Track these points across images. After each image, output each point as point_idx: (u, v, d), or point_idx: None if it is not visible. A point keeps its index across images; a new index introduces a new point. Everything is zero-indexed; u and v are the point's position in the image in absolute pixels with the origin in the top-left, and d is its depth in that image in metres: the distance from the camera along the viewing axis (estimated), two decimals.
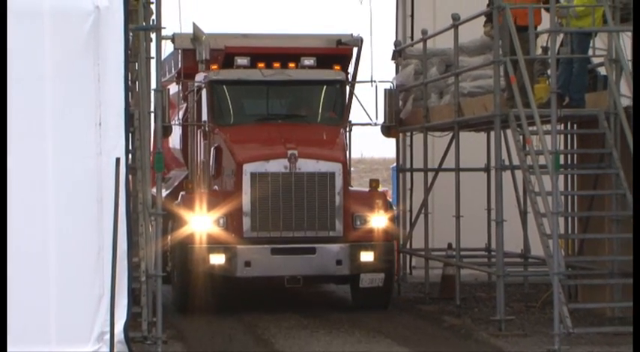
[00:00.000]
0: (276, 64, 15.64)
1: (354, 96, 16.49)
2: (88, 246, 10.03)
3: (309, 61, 15.63)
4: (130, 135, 11.48)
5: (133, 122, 12.08)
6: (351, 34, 16.56)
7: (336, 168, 14.65)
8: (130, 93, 10.73)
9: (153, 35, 12.66)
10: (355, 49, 16.49)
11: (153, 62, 12.71)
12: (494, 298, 14.27)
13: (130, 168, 10.82)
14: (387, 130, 16.61)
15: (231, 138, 15.16)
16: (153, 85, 12.76)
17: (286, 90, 15.96)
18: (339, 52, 16.44)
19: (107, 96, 10.12)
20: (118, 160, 10.06)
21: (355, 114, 16.45)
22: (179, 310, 14.61)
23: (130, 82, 10.98)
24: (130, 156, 11.27)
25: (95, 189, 10.04)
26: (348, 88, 16.22)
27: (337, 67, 16.02)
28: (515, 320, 13.92)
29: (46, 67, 10.04)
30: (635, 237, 10.68)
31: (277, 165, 14.49)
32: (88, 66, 10.09)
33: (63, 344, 9.94)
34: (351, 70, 16.53)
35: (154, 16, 12.57)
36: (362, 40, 16.48)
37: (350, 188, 15.31)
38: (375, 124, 16.60)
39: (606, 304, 13.81)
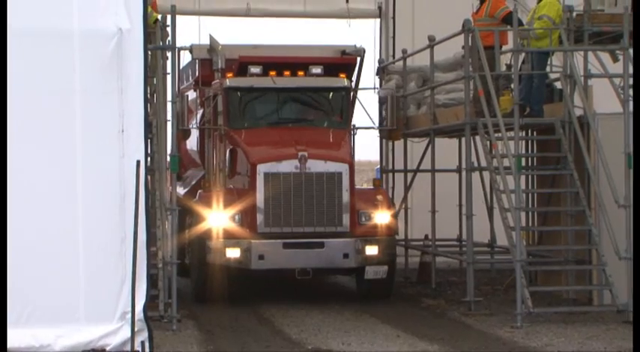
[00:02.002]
0: (287, 72, 15.02)
1: (357, 102, 15.93)
2: (112, 236, 10.00)
3: (316, 70, 14.97)
4: (149, 140, 11.51)
5: (151, 129, 12.10)
6: (355, 45, 16.03)
7: (343, 168, 14.00)
8: (148, 105, 10.71)
9: (168, 54, 12.69)
10: (358, 59, 15.97)
11: (169, 77, 12.74)
12: (464, 282, 14.28)
13: (148, 169, 10.80)
14: (389, 133, 16.16)
15: (245, 140, 14.55)
16: (169, 97, 12.78)
17: (296, 96, 15.19)
18: (344, 61, 15.76)
19: (129, 106, 10.09)
20: (138, 162, 10.04)
21: (357, 119, 15.98)
22: (197, 300, 14.03)
23: (148, 95, 10.95)
24: (148, 158, 11.27)
25: (118, 188, 10.02)
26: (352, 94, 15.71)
27: (343, 75, 15.37)
28: (483, 301, 13.96)
29: (76, 81, 10.02)
30: (635, 234, 10.36)
31: (289, 166, 13.84)
32: (112, 80, 10.06)
33: (90, 322, 9.92)
34: (354, 77, 16.04)
35: (169, 38, 12.60)
36: (364, 51, 15.99)
37: (355, 187, 14.70)
38: (378, 128, 16.21)
39: (562, 287, 13.84)
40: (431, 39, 15.40)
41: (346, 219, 13.87)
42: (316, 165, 13.87)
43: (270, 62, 15.04)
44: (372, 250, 13.91)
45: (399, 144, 17.29)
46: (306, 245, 13.73)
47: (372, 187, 15.26)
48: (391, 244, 14.29)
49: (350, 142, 15.16)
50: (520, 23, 13.82)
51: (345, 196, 13.88)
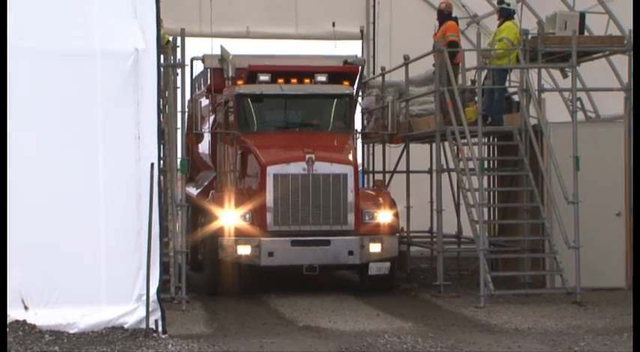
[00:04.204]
0: (294, 80, 14.22)
1: (359, 108, 15.31)
2: (130, 229, 10.00)
3: (321, 78, 14.19)
4: (162, 146, 11.50)
5: (163, 136, 12.08)
6: (356, 55, 15.42)
7: (347, 170, 13.14)
8: (161, 114, 10.71)
9: (179, 70, 12.67)
10: (359, 68, 15.23)
11: (179, 91, 12.71)
12: (435, 268, 14.33)
13: (161, 171, 10.79)
14: (390, 137, 15.26)
15: (255, 144, 13.61)
16: (179, 108, 12.75)
17: (302, 102, 14.24)
18: (347, 70, 14.81)
19: (144, 116, 10.08)
20: (152, 165, 10.05)
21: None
22: (209, 294, 13.18)
23: (161, 106, 10.95)
24: (161, 161, 11.26)
25: (135, 187, 10.02)
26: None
27: (346, 83, 14.54)
28: (451, 285, 13.97)
29: (98, 94, 10.02)
30: (635, 236, 10.20)
31: (297, 168, 12.99)
32: (130, 94, 10.05)
33: (111, 303, 9.94)
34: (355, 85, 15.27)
35: (179, 56, 12.60)
36: (364, 61, 15.26)
37: (360, 187, 13.73)
38: (379, 132, 15.56)
39: (519, 273, 13.86)
40: (406, 58, 15.42)
41: (351, 217, 13.08)
42: (323, 167, 13.07)
43: (278, 70, 14.31)
44: (375, 247, 13.13)
45: (378, 149, 17.31)
46: (313, 242, 12.96)
47: (374, 188, 14.60)
48: (393, 242, 13.45)
49: (354, 145, 14.33)
50: (455, 45, 13.87)
51: (350, 196, 13.07)
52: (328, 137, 14.10)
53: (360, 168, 20.65)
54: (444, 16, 14.89)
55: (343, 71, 14.77)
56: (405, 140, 15.58)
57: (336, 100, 14.28)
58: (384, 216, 13.35)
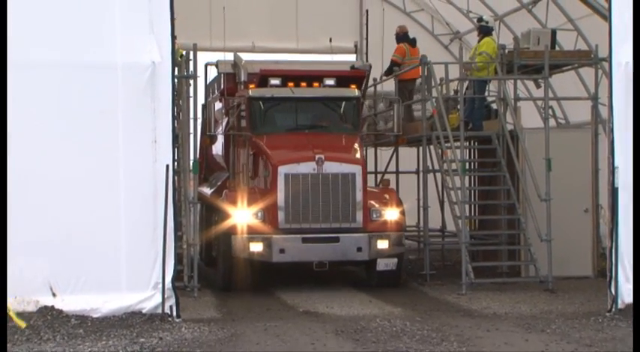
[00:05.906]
0: (303, 84, 13.49)
1: (365, 110, 14.87)
2: (147, 224, 10.00)
3: (330, 81, 13.45)
4: (176, 149, 11.49)
5: (178, 140, 12.05)
6: (362, 61, 15.02)
7: (356, 169, 12.48)
8: (175, 121, 10.71)
9: (191, 81, 12.67)
10: (365, 73, 14.62)
11: (191, 99, 12.70)
12: (422, 259, 14.35)
13: (175, 172, 10.79)
14: (395, 138, 14.50)
15: (266, 144, 12.99)
16: (191, 115, 12.73)
17: (312, 104, 13.56)
18: (354, 74, 14.09)
19: (160, 122, 10.08)
20: (167, 166, 10.07)
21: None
22: (224, 290, 12.58)
23: (175, 113, 10.94)
24: (175, 163, 11.26)
25: (152, 186, 10.02)
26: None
27: (353, 86, 13.73)
28: (436, 274, 13.98)
29: (119, 103, 10.03)
30: (635, 238, 10.14)
31: (307, 167, 12.35)
32: (147, 102, 10.06)
33: (130, 290, 9.94)
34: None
35: (192, 68, 12.60)
36: (370, 66, 14.81)
37: (368, 186, 13.01)
38: (386, 134, 14.72)
39: (497, 263, 13.89)
40: (395, 70, 15.44)
41: (359, 215, 12.42)
42: (332, 167, 12.41)
43: (288, 75, 13.62)
44: (383, 244, 12.48)
45: (370, 151, 17.31)
46: (323, 239, 12.33)
47: (381, 187, 14.09)
48: (400, 238, 12.74)
49: (361, 146, 13.52)
50: (395, 63, 14.33)
51: (358, 195, 12.41)
52: (337, 138, 13.38)
53: None
54: (399, 38, 15.21)
55: (350, 75, 14.10)
56: (395, 143, 15.55)
57: (344, 103, 13.65)
58: (391, 214, 12.71)
